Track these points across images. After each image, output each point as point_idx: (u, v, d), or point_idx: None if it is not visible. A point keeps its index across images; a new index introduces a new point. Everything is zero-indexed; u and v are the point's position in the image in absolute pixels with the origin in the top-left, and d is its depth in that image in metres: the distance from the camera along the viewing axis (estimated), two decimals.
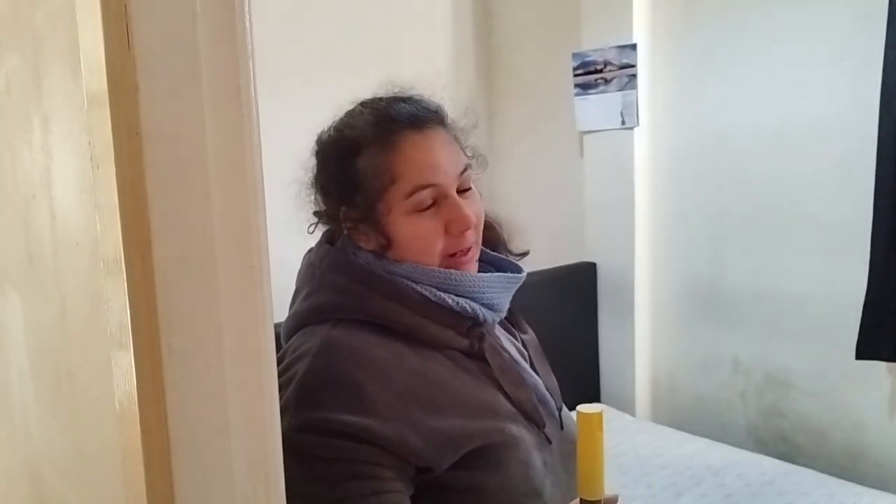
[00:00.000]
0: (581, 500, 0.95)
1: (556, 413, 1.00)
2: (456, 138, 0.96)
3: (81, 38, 0.48)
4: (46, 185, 0.60)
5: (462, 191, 0.93)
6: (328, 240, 0.98)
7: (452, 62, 3.15)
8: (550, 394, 1.01)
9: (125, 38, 0.46)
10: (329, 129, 0.96)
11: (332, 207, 0.95)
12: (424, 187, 0.89)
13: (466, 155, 0.97)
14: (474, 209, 0.93)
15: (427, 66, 3.01)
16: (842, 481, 2.13)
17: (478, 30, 3.23)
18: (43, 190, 0.61)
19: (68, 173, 0.56)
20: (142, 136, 0.47)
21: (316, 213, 0.98)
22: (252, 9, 0.51)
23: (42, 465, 0.73)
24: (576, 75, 2.83)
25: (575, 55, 2.83)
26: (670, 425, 2.67)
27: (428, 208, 0.90)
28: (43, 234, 0.63)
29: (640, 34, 2.67)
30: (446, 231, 0.91)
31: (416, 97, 0.96)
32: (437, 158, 0.90)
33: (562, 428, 1.00)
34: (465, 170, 0.93)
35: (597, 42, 2.76)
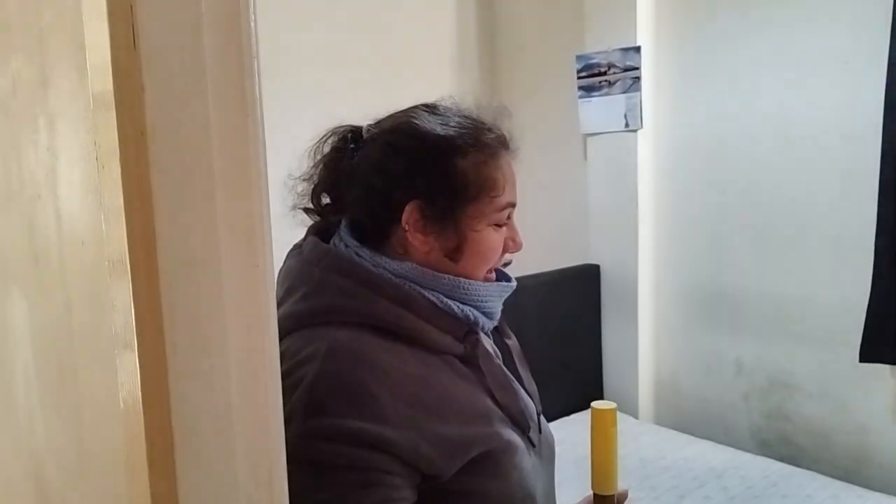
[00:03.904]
0: (595, 495, 0.96)
1: (536, 417, 1.00)
2: None
3: (87, 39, 0.48)
4: (52, 185, 0.60)
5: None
6: (320, 237, 0.96)
7: (457, 65, 3.15)
8: (531, 398, 1.01)
9: (131, 38, 0.46)
10: (410, 119, 0.94)
11: (398, 198, 0.91)
12: (513, 205, 0.95)
13: None
14: None
15: (431, 69, 3.01)
16: (845, 484, 2.13)
17: (482, 32, 3.23)
18: (48, 190, 0.61)
19: (74, 173, 0.56)
20: (147, 136, 0.47)
21: (319, 204, 0.97)
22: (257, 9, 0.51)
23: (46, 465, 0.73)
24: (579, 78, 2.83)
25: (579, 58, 2.83)
26: (673, 427, 2.67)
27: (504, 225, 0.95)
28: (48, 234, 0.63)
29: (643, 37, 2.67)
30: (504, 248, 0.96)
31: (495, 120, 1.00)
32: (516, 181, 0.97)
33: (540, 432, 1.00)
34: None
35: (600, 44, 2.76)
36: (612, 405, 0.91)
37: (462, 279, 0.92)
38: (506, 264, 1.03)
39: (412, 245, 0.92)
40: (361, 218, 0.95)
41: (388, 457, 0.80)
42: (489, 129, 0.95)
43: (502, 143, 0.96)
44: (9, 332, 0.76)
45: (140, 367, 0.49)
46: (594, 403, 0.92)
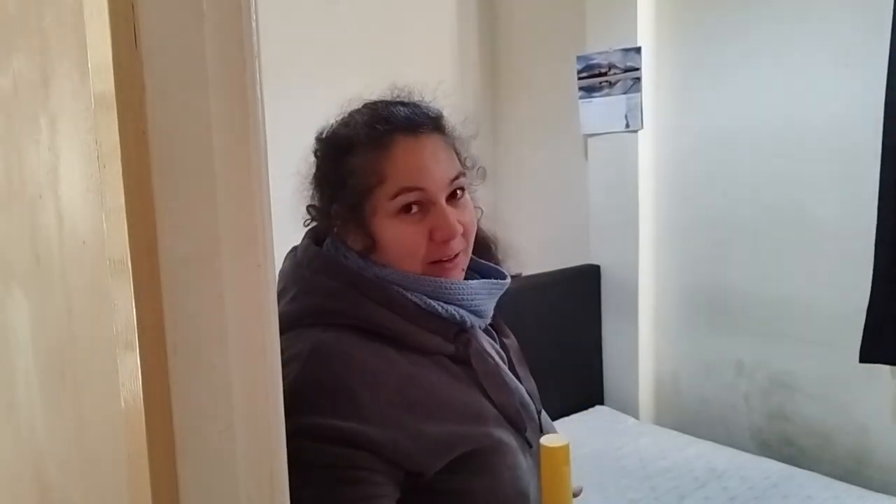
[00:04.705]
0: None
1: (536, 416, 1.00)
2: (453, 146, 0.96)
3: (89, 38, 0.48)
4: (53, 184, 0.60)
5: (452, 198, 0.93)
6: (315, 240, 0.98)
7: (457, 65, 3.15)
8: (530, 397, 1.01)
9: (132, 37, 0.46)
10: (328, 126, 0.97)
11: (325, 204, 0.95)
12: (410, 190, 0.89)
13: (464, 164, 0.97)
14: (465, 218, 0.93)
15: (432, 69, 3.01)
16: (846, 485, 2.13)
17: (482, 32, 3.23)
18: (49, 189, 0.61)
19: (75, 173, 0.56)
20: (148, 136, 0.47)
21: (309, 208, 0.98)
22: (259, 9, 0.51)
23: (47, 464, 0.73)
24: (580, 78, 2.83)
25: (579, 58, 2.83)
26: (674, 428, 2.67)
27: (414, 213, 0.90)
28: (49, 234, 0.63)
29: (644, 37, 2.67)
30: (430, 238, 0.90)
31: (416, 102, 0.97)
32: (427, 163, 0.90)
33: (541, 431, 1.00)
34: (456, 177, 0.93)
35: (601, 45, 2.76)
36: (564, 441, 0.83)
37: (443, 279, 0.91)
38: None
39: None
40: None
41: (369, 454, 0.80)
42: (380, 119, 0.91)
43: (395, 129, 0.91)
44: (10, 331, 0.76)
45: (141, 366, 0.49)
46: (543, 440, 0.84)
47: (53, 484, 0.72)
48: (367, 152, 0.90)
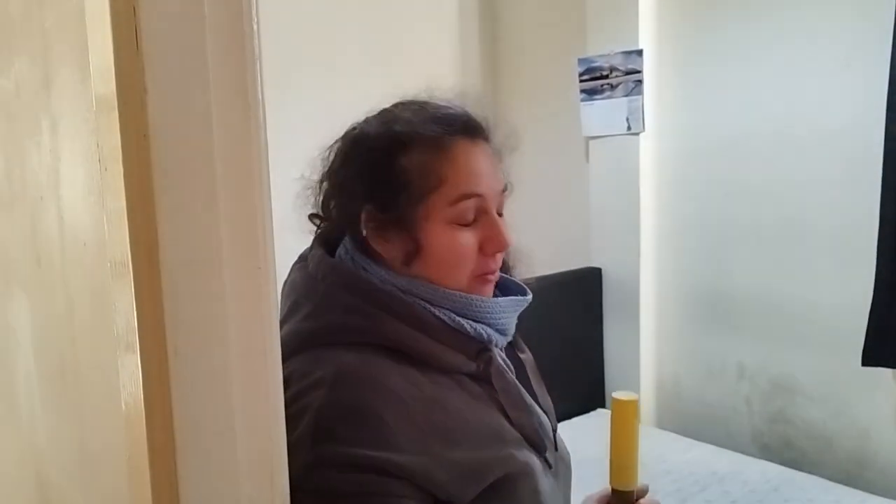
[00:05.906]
0: (613, 490, 0.93)
1: (552, 435, 0.97)
2: (500, 158, 0.93)
3: (90, 41, 0.49)
4: (54, 186, 0.61)
5: (499, 213, 0.89)
6: (326, 248, 0.92)
7: (458, 66, 3.16)
8: (547, 414, 0.98)
9: (134, 40, 0.47)
10: (362, 124, 0.91)
11: (353, 207, 0.88)
12: (470, 196, 0.84)
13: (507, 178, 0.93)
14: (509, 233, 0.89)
15: (433, 70, 3.01)
16: (847, 488, 2.12)
17: (484, 34, 3.23)
18: (51, 191, 0.61)
19: (76, 175, 0.56)
20: (150, 138, 0.48)
21: (318, 216, 0.94)
22: (259, 11, 0.51)
23: (48, 466, 0.73)
24: (581, 81, 2.83)
25: (581, 61, 2.83)
26: (675, 431, 2.67)
27: (470, 222, 0.85)
28: (50, 236, 0.63)
29: (645, 40, 2.67)
30: (480, 249, 0.86)
31: (465, 108, 0.91)
32: (485, 170, 0.86)
33: (556, 449, 0.97)
34: (504, 189, 0.90)
35: (603, 47, 2.76)
36: (634, 396, 0.87)
37: (474, 296, 0.87)
38: (507, 270, 0.97)
39: (378, 252, 0.88)
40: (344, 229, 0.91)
41: (402, 482, 0.77)
42: (438, 119, 0.86)
43: (455, 131, 0.86)
44: (11, 332, 0.77)
45: (142, 368, 0.49)
46: (615, 394, 0.87)
47: (54, 485, 0.72)
48: (425, 152, 0.84)
